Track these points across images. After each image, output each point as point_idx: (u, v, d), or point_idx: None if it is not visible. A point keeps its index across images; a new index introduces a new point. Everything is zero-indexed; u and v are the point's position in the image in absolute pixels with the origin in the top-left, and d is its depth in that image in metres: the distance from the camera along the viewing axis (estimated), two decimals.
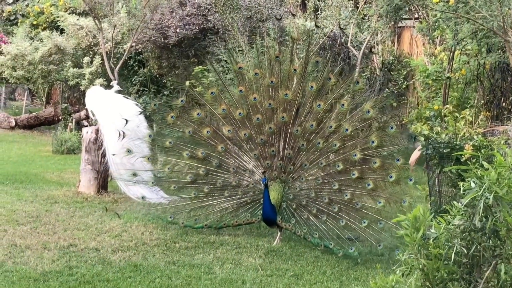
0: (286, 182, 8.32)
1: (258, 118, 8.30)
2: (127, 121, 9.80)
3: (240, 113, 8.34)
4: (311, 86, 8.23)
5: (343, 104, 8.13)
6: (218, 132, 8.45)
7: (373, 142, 7.94)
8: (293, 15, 14.97)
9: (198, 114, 8.46)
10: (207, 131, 8.43)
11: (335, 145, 8.09)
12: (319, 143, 8.15)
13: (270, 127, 8.28)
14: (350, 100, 8.20)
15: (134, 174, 8.95)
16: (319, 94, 8.25)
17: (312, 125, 8.17)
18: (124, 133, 9.59)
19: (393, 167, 7.97)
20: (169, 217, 8.58)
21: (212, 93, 8.47)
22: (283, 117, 8.23)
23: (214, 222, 8.50)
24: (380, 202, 7.83)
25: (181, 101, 8.63)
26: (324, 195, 8.13)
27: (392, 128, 8.10)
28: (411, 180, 7.96)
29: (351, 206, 8.00)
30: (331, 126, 8.11)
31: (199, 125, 8.48)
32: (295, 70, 8.29)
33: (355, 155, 7.97)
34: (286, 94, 8.20)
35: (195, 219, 8.54)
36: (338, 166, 8.09)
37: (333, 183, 8.10)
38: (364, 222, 7.81)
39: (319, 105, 8.16)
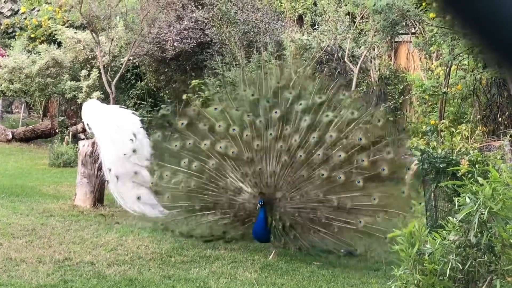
0: (274, 201, 8.26)
1: (247, 135, 8.26)
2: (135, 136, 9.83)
3: (233, 129, 8.31)
4: (300, 104, 8.18)
5: (327, 115, 8.08)
6: (214, 147, 8.41)
7: (363, 160, 7.90)
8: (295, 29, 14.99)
9: (204, 124, 8.49)
10: (205, 144, 8.41)
11: (319, 154, 8.01)
12: (301, 155, 8.06)
13: (258, 144, 8.25)
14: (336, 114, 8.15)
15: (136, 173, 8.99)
16: (305, 110, 8.18)
17: (295, 139, 8.08)
18: (135, 135, 9.60)
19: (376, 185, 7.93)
20: (160, 224, 8.60)
21: (215, 109, 8.50)
22: (270, 134, 8.18)
23: (205, 233, 8.48)
24: (360, 222, 7.78)
25: (193, 109, 8.72)
26: (306, 216, 8.03)
27: (379, 120, 8.10)
28: (403, 192, 7.92)
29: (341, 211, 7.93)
30: (313, 137, 8.02)
31: (201, 137, 8.48)
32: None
33: (340, 177, 7.90)
34: (276, 112, 8.15)
35: (187, 231, 8.51)
36: (319, 196, 8.01)
37: (318, 194, 8.05)
38: (360, 222, 7.77)
39: (305, 120, 8.10)
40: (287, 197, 8.19)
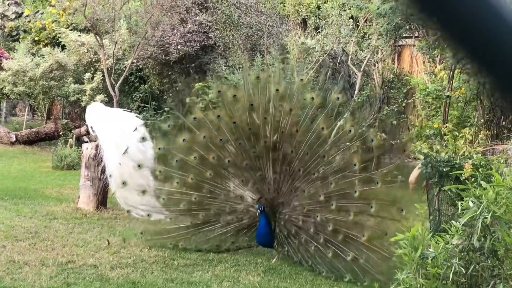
0: (277, 207, 8.23)
1: (240, 143, 8.21)
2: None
3: (221, 139, 8.26)
4: (290, 109, 8.03)
5: (322, 128, 7.91)
6: (206, 158, 8.34)
7: (355, 164, 7.73)
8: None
9: (183, 140, 8.40)
10: (195, 157, 8.34)
11: (313, 174, 7.90)
12: (299, 170, 7.99)
13: (254, 151, 8.21)
14: (329, 123, 7.95)
15: (124, 183, 8.94)
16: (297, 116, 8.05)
17: (292, 151, 8.00)
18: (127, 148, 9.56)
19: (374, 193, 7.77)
20: (169, 243, 8.50)
21: (194, 118, 8.40)
22: (265, 141, 8.10)
23: (213, 247, 8.44)
24: (363, 236, 7.60)
25: (168, 126, 8.62)
26: (310, 225, 7.92)
27: (372, 141, 7.83)
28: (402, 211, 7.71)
29: (335, 237, 7.73)
30: (307, 153, 7.93)
31: (187, 150, 8.40)
32: (277, 90, 8.17)
33: (331, 183, 7.80)
34: (266, 118, 8.05)
35: (195, 246, 8.47)
36: (320, 196, 7.88)
37: (316, 213, 7.89)
38: (348, 256, 7.58)
39: (297, 130, 8.00)
40: (290, 204, 8.15)
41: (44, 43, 20.42)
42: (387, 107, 13.83)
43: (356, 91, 13.79)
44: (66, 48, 18.61)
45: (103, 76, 16.35)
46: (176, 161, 8.44)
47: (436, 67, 14.30)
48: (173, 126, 8.54)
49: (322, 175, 7.89)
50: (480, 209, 3.92)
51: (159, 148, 8.58)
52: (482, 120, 13.02)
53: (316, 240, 7.82)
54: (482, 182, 4.05)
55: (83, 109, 15.75)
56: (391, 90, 15.48)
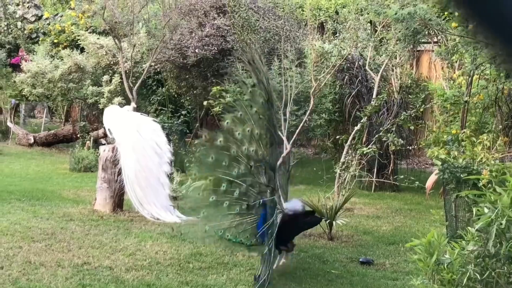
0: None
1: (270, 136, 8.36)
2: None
3: (257, 133, 8.39)
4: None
5: None
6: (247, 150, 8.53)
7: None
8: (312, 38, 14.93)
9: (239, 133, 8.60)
10: (245, 148, 8.53)
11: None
12: None
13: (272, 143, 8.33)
14: None
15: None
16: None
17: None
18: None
19: None
20: (219, 232, 8.57)
21: (241, 114, 8.56)
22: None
23: (247, 239, 8.49)
24: None
25: (226, 123, 8.75)
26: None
27: None
28: None
29: None
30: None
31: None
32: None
33: None
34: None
35: (235, 236, 8.53)
36: None
37: None
38: None
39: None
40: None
41: (63, 46, 20.53)
42: (404, 112, 13.76)
43: (374, 96, 13.74)
44: (84, 51, 18.72)
45: (121, 78, 16.41)
46: (233, 151, 8.57)
47: (454, 73, 14.24)
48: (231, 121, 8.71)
49: None
50: (494, 214, 3.89)
51: (219, 140, 8.69)
52: (501, 127, 12.95)
53: None
54: (497, 187, 4.01)
55: (101, 112, 15.81)
56: (409, 95, 15.42)
